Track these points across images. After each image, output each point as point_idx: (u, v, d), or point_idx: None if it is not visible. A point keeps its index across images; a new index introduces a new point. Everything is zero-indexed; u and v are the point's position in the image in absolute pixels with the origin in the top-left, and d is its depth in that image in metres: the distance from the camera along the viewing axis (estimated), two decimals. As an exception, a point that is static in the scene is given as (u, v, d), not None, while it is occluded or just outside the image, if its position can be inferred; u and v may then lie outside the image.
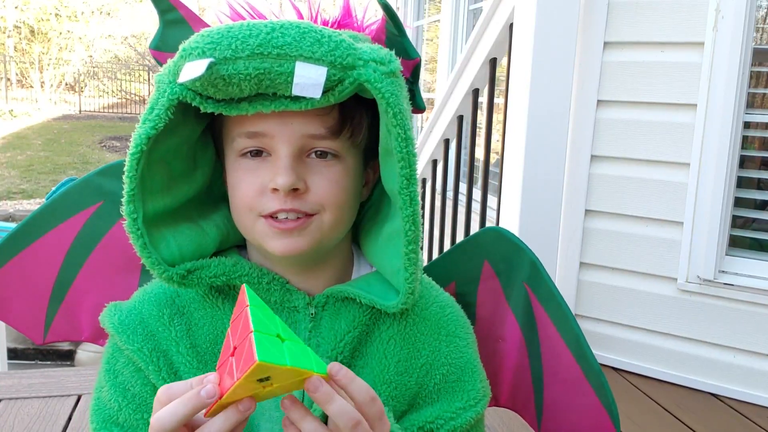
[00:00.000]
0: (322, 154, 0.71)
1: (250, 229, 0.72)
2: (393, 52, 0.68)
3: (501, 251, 0.93)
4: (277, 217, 0.70)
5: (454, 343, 0.80)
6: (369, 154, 0.78)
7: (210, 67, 0.60)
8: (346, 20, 0.76)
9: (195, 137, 0.73)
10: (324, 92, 0.63)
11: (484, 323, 0.96)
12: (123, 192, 0.67)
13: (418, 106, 0.76)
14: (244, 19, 0.76)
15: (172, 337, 0.75)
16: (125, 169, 0.67)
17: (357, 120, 0.71)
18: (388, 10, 0.72)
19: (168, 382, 0.72)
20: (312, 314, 0.76)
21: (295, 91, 0.62)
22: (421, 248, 0.73)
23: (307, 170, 0.70)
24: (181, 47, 0.63)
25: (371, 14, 0.79)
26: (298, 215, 0.70)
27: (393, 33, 0.73)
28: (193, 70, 0.60)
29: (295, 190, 0.68)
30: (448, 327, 0.81)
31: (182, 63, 0.62)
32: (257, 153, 0.70)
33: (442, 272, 0.94)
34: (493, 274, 0.94)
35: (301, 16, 0.76)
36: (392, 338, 0.77)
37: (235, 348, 0.55)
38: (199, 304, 0.77)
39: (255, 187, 0.70)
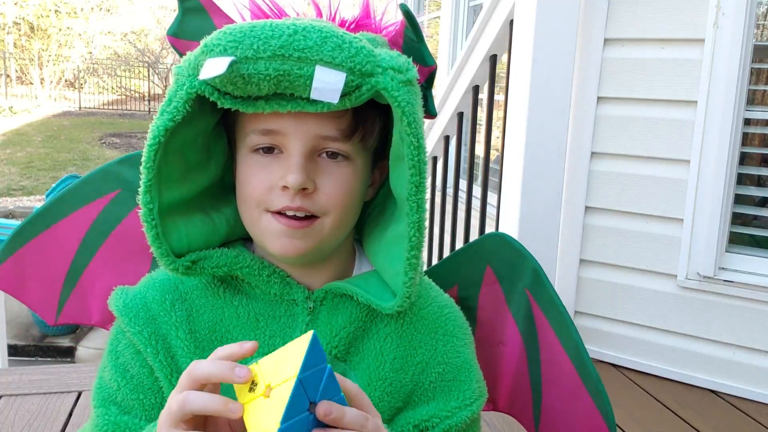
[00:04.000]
0: (333, 155, 0.72)
1: (255, 223, 0.74)
2: (410, 60, 0.68)
3: (504, 257, 0.94)
4: (284, 214, 0.71)
5: (451, 343, 0.81)
6: (377, 155, 0.79)
7: (231, 65, 0.61)
8: (364, 21, 0.77)
9: (210, 129, 0.74)
10: (341, 96, 0.64)
11: (485, 327, 0.96)
12: (140, 182, 0.69)
13: (429, 112, 0.77)
14: (263, 11, 0.76)
15: (172, 322, 0.76)
16: (143, 159, 0.68)
17: (369, 124, 0.72)
18: (409, 16, 0.72)
19: (164, 365, 0.75)
20: (310, 308, 0.77)
21: (314, 96, 0.62)
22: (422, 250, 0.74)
23: (318, 170, 0.71)
24: (202, 42, 0.64)
25: (390, 15, 0.79)
26: (305, 214, 0.71)
27: (412, 39, 0.74)
28: (215, 67, 0.61)
29: (304, 189, 0.69)
30: (445, 327, 0.81)
31: (203, 58, 0.63)
32: (269, 149, 0.71)
33: (444, 275, 0.95)
34: (495, 279, 0.95)
35: (320, 14, 0.77)
36: (389, 336, 0.78)
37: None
38: (201, 292, 0.78)
39: (265, 183, 0.71)
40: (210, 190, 0.78)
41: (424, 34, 0.74)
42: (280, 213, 0.71)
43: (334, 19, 0.76)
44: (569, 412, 0.93)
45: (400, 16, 0.76)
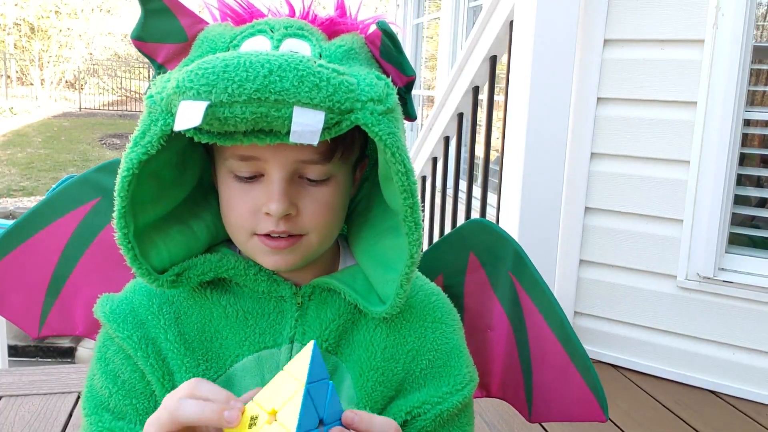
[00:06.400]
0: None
1: (243, 243, 0.74)
2: (389, 81, 0.68)
3: (485, 242, 0.95)
4: (269, 235, 0.71)
5: (440, 329, 0.81)
6: (357, 157, 0.78)
7: (206, 111, 0.60)
8: (339, 18, 0.76)
9: (183, 145, 0.73)
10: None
11: (472, 314, 0.97)
12: (114, 207, 0.68)
13: (409, 116, 0.77)
14: (233, 10, 0.75)
15: (160, 325, 0.76)
16: (116, 188, 0.67)
17: (348, 141, 0.71)
18: (386, 32, 0.72)
19: (156, 369, 0.75)
20: (299, 303, 0.77)
21: (293, 139, 0.61)
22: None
23: (299, 193, 0.71)
24: (174, 79, 0.62)
25: (365, 10, 0.78)
26: (289, 234, 0.71)
27: (391, 48, 0.73)
28: (189, 117, 0.60)
29: (287, 214, 0.70)
30: (434, 313, 0.82)
31: (176, 99, 0.61)
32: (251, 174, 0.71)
33: (428, 265, 0.96)
34: (479, 265, 0.96)
35: (293, 13, 0.76)
36: (378, 325, 0.79)
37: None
38: (188, 294, 0.78)
39: (248, 208, 0.71)
40: (187, 199, 0.78)
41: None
42: (266, 235, 0.71)
43: (306, 17, 0.75)
44: (560, 391, 0.94)
45: (376, 9, 0.75)
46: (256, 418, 0.55)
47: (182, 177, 0.76)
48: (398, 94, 0.72)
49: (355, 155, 0.76)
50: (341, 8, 0.76)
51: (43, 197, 1.04)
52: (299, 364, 0.56)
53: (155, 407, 0.75)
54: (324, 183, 0.72)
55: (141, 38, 0.75)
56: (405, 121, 0.77)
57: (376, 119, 0.65)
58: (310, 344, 0.57)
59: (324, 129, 0.63)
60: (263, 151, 0.68)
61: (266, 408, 0.55)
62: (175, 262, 0.75)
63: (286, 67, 0.61)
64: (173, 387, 0.75)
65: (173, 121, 0.62)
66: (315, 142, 0.62)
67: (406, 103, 0.76)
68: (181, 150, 0.73)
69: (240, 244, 0.75)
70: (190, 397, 0.58)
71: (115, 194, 0.67)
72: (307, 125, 0.61)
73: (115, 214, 0.68)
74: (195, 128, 0.63)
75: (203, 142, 0.64)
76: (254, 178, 0.71)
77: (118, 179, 0.67)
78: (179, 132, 0.64)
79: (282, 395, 0.55)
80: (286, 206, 0.68)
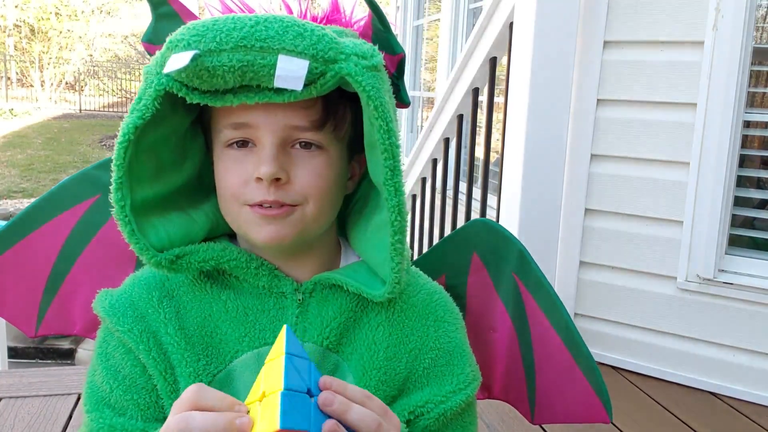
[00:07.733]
0: (306, 145, 0.72)
1: (235, 217, 0.74)
2: (377, 47, 0.69)
3: (489, 243, 0.95)
4: (261, 206, 0.72)
5: (442, 328, 0.81)
6: (354, 148, 0.79)
7: (194, 58, 0.62)
8: (334, 16, 0.78)
9: (184, 128, 0.75)
10: (306, 85, 0.65)
11: (475, 314, 0.97)
12: (111, 180, 0.69)
13: (402, 101, 0.78)
14: (234, 13, 0.77)
15: (161, 319, 0.76)
16: (113, 157, 0.68)
17: (340, 114, 0.72)
18: (372, 6, 0.73)
19: (158, 362, 0.74)
20: (300, 300, 0.77)
21: (277, 83, 0.63)
22: (409, 243, 0.74)
23: (291, 161, 0.71)
24: (167, 39, 0.65)
25: (360, 9, 0.80)
26: (282, 204, 0.71)
27: (379, 28, 0.74)
28: (178, 61, 0.62)
29: (278, 180, 0.70)
30: (436, 312, 0.82)
31: (168, 54, 0.64)
32: (243, 144, 0.72)
33: (431, 265, 0.95)
34: (482, 265, 0.95)
35: (290, 13, 0.77)
36: (380, 325, 0.78)
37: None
38: (189, 288, 0.78)
39: (240, 177, 0.71)
40: (186, 189, 0.79)
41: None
42: (258, 205, 0.71)
43: (305, 16, 0.77)
44: (564, 392, 0.94)
45: (368, 10, 0.76)
46: (248, 412, 0.57)
47: (181, 164, 0.77)
48: (391, 81, 0.73)
49: (347, 130, 0.76)
50: (335, 6, 0.78)
51: (42, 198, 1.03)
52: (276, 347, 0.58)
53: (157, 402, 0.75)
54: (316, 152, 0.72)
55: (151, 41, 0.79)
56: (399, 109, 0.77)
57: (361, 71, 0.66)
58: (284, 328, 0.59)
59: (309, 83, 0.64)
60: (255, 117, 0.69)
61: (255, 397, 0.57)
62: (174, 245, 0.75)
63: (272, 20, 0.64)
64: (175, 381, 0.75)
65: (167, 78, 0.64)
66: (299, 87, 0.64)
67: (399, 89, 0.76)
68: (182, 134, 0.74)
69: (233, 218, 0.75)
70: (196, 408, 0.58)
71: (112, 165, 0.68)
72: (291, 70, 0.63)
73: (112, 187, 0.69)
74: (186, 86, 0.65)
75: (194, 101, 0.66)
76: (247, 146, 0.71)
77: (115, 147, 0.68)
78: (176, 103, 0.65)
79: (267, 380, 0.57)
80: (276, 169, 0.69)
